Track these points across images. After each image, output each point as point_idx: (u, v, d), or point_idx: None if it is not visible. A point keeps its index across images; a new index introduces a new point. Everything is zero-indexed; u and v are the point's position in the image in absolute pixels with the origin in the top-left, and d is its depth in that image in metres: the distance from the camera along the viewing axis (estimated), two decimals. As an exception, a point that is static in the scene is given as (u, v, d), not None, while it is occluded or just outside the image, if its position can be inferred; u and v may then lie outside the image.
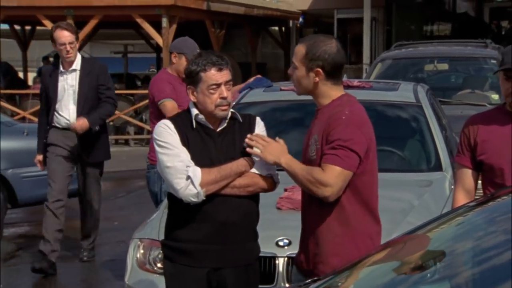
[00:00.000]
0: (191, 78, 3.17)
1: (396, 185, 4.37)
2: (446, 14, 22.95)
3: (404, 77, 8.40)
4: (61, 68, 6.01)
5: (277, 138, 3.14)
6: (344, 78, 6.90)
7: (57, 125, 6.02)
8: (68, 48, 5.89)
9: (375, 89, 5.40)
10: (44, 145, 6.04)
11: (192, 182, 3.05)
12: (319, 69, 3.05)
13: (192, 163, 3.09)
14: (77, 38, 6.01)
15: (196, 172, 3.06)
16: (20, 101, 14.91)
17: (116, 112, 14.63)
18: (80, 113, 5.96)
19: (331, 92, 3.10)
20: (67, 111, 5.99)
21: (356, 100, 3.15)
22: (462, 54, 9.26)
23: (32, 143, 7.34)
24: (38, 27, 17.31)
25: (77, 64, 6.01)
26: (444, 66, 9.34)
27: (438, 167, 4.66)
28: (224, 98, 3.13)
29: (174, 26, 13.53)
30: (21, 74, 17.99)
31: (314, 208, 3.07)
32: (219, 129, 3.20)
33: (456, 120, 6.77)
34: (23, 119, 12.05)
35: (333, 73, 3.08)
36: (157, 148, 3.16)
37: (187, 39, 5.63)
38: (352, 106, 3.10)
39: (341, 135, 2.96)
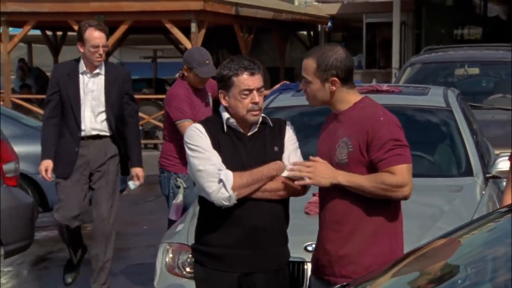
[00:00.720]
0: (223, 83, 3.17)
1: (426, 190, 4.33)
2: (477, 18, 22.73)
3: (434, 82, 8.32)
4: (84, 68, 5.21)
5: (311, 157, 3.11)
6: (373, 83, 6.90)
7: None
8: (101, 51, 5.14)
9: (404, 94, 5.36)
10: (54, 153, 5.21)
11: (224, 186, 3.05)
12: (335, 78, 3.06)
13: (223, 167, 3.09)
14: (107, 39, 5.29)
15: (228, 176, 3.06)
16: (51, 106, 15.02)
17: (145, 116, 14.79)
18: (110, 124, 5.23)
19: (348, 97, 3.12)
20: (83, 117, 5.21)
21: (378, 103, 3.17)
22: (493, 58, 9.16)
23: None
24: (69, 33, 17.50)
25: (101, 68, 5.23)
26: (475, 71, 9.24)
27: (468, 172, 4.61)
28: (255, 103, 3.13)
29: (203, 31, 13.60)
30: (52, 79, 18.19)
31: (342, 210, 3.07)
32: (250, 133, 3.20)
33: (487, 125, 6.70)
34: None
35: (347, 78, 3.10)
36: (188, 152, 3.16)
37: (195, 50, 5.53)
38: (380, 108, 3.14)
39: (390, 135, 3.00)
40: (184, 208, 5.28)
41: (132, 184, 5.44)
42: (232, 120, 3.18)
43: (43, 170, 5.21)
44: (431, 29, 18.29)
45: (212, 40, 17.97)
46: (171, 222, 5.34)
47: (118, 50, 20.25)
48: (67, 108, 5.23)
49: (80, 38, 5.17)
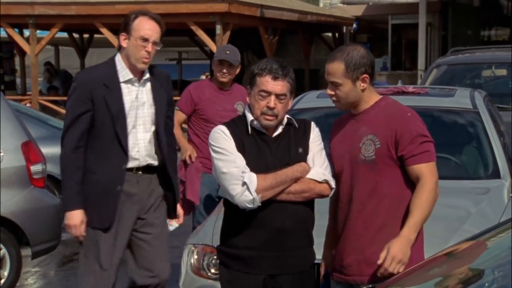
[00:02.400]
0: (250, 79, 3.20)
1: (453, 192, 4.30)
2: (504, 18, 22.46)
3: (461, 83, 8.26)
4: (129, 75, 3.82)
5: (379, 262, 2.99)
6: (399, 84, 6.86)
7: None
8: (150, 48, 3.76)
9: (431, 95, 5.33)
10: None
11: (248, 188, 3.05)
12: (365, 75, 3.11)
13: (247, 169, 3.09)
14: (161, 38, 3.87)
15: (252, 178, 3.06)
16: (78, 108, 15.19)
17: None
18: (161, 148, 3.85)
19: (371, 95, 3.17)
20: (135, 141, 3.81)
21: (398, 101, 3.25)
22: (521, 59, 9.05)
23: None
24: (96, 35, 17.67)
25: (147, 72, 3.88)
26: (502, 72, 9.15)
27: (496, 175, 4.56)
28: (270, 108, 3.11)
29: (228, 33, 13.64)
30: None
31: (370, 209, 3.08)
32: (274, 134, 3.19)
33: (514, 127, 6.62)
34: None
35: (373, 74, 3.17)
36: (213, 154, 3.17)
37: (226, 45, 5.76)
38: (403, 105, 3.19)
39: (419, 130, 3.08)
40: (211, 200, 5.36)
41: (171, 226, 4.22)
42: (256, 122, 3.17)
43: (76, 227, 3.74)
44: (457, 30, 18.15)
45: (237, 42, 17.97)
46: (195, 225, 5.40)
47: (144, 52, 20.36)
48: (106, 131, 3.74)
49: (125, 28, 3.81)
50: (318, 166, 3.15)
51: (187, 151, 5.41)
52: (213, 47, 13.62)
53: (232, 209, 3.16)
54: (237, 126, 3.20)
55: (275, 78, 3.12)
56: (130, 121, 3.79)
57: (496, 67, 9.05)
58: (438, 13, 17.72)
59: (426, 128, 3.12)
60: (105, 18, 13.79)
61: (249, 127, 3.18)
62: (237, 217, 3.16)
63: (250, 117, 3.18)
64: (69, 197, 3.78)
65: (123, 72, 3.82)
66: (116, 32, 14.64)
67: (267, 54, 14.85)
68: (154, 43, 3.78)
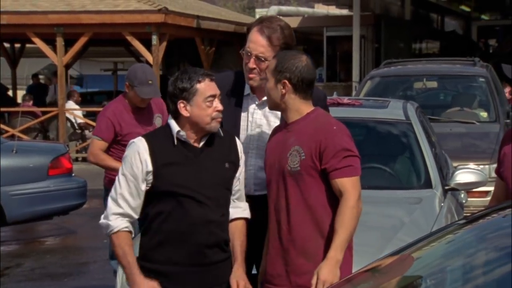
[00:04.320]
0: (185, 93, 3.05)
1: (386, 202, 4.38)
2: (434, 32, 23.14)
3: (393, 95, 8.43)
4: (248, 92, 3.36)
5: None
6: (334, 96, 6.95)
7: None
8: (252, 64, 3.28)
9: (365, 107, 5.42)
10: None
11: (106, 216, 3.08)
12: (286, 81, 3.10)
13: (132, 212, 3.08)
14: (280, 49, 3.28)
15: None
16: (9, 119, 14.88)
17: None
18: None
19: (300, 106, 3.14)
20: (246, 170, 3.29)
21: (329, 114, 3.24)
22: (451, 72, 9.32)
23: (21, 161, 7.30)
24: (27, 45, 17.31)
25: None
26: (433, 84, 9.38)
27: (428, 185, 4.67)
28: (219, 111, 3.07)
29: (164, 44, 13.57)
30: (10, 92, 17.98)
31: (297, 221, 3.08)
32: (200, 145, 3.11)
33: (445, 138, 6.80)
34: (12, 136, 12.03)
35: (301, 87, 3.12)
36: (121, 169, 3.09)
37: (140, 68, 5.21)
38: (332, 118, 3.19)
39: (343, 144, 3.05)
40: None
41: None
42: (182, 133, 3.07)
43: None
44: (390, 43, 18.54)
45: (173, 53, 17.90)
46: None
47: (78, 62, 20.06)
48: None
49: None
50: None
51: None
52: (149, 57, 13.53)
53: (153, 223, 3.08)
54: (158, 139, 3.09)
55: (212, 80, 3.09)
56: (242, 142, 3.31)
57: (427, 79, 9.27)
58: (372, 26, 18.07)
59: (352, 143, 3.09)
60: (38, 28, 13.53)
61: (175, 138, 3.07)
62: (158, 232, 3.07)
63: (175, 128, 3.07)
64: None
65: (247, 86, 3.37)
66: (48, 41, 14.44)
67: (203, 64, 14.85)
68: (258, 57, 3.27)
